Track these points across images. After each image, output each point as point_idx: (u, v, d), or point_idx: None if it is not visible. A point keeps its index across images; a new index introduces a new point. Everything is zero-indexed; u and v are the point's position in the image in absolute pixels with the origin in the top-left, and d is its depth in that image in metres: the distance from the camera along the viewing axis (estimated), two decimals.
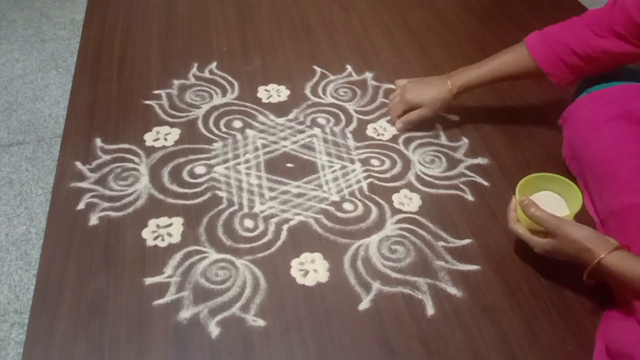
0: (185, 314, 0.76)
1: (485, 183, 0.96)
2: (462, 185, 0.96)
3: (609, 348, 0.70)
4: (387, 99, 1.13)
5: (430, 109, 1.01)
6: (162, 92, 1.12)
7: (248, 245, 0.85)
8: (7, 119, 1.11)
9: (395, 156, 1.01)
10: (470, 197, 0.94)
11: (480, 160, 1.01)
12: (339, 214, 0.90)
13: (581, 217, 0.76)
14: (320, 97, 1.13)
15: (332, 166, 0.98)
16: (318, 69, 1.20)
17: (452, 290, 0.80)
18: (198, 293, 0.78)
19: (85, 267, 0.81)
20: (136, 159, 0.98)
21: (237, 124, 1.06)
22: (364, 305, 0.78)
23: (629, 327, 0.68)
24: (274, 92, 1.13)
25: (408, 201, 0.93)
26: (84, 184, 0.93)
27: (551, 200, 0.80)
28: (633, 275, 0.66)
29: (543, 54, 0.91)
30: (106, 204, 0.90)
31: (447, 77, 0.99)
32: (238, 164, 0.98)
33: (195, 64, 1.20)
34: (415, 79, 1.05)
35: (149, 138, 1.02)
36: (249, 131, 1.04)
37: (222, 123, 1.06)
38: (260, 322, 0.75)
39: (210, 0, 1.42)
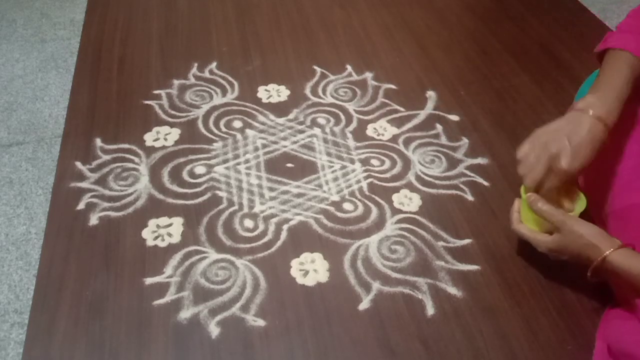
0: (185, 314, 0.76)
1: (485, 183, 0.96)
2: (462, 185, 0.96)
3: (610, 347, 0.70)
4: (387, 99, 1.13)
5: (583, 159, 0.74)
6: (162, 92, 1.12)
7: (248, 245, 0.85)
8: (7, 119, 1.11)
9: (395, 156, 1.01)
10: (470, 197, 0.94)
11: (480, 160, 1.01)
12: (339, 214, 0.90)
13: (582, 217, 0.76)
14: (320, 97, 1.13)
15: (332, 166, 0.98)
16: (318, 69, 1.20)
17: (452, 290, 0.80)
18: (198, 293, 0.78)
19: (85, 267, 0.81)
20: (136, 159, 0.98)
21: (237, 124, 1.06)
22: (364, 305, 0.78)
23: (631, 326, 0.68)
24: (274, 92, 1.13)
25: (408, 201, 0.93)
26: (84, 184, 0.93)
27: None
28: (639, 273, 0.65)
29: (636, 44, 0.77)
30: (106, 204, 0.90)
31: (586, 115, 0.75)
32: (238, 164, 0.98)
33: (195, 64, 1.20)
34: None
35: (149, 138, 1.02)
36: (249, 131, 1.04)
37: (222, 123, 1.06)
38: (260, 322, 0.75)
39: (210, 0, 1.42)
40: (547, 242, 0.74)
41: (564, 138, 0.74)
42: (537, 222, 0.76)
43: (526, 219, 0.78)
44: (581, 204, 0.77)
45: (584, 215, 0.77)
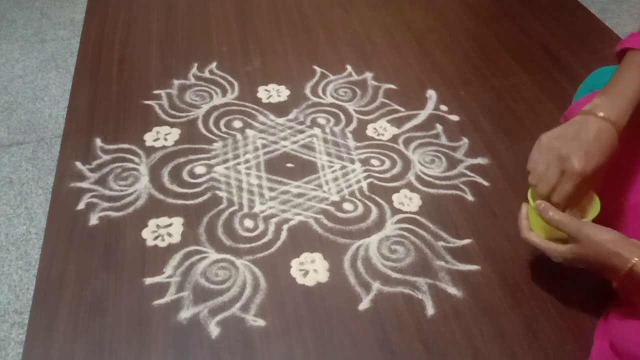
0: (185, 314, 0.76)
1: (485, 183, 0.96)
2: (462, 185, 0.96)
3: (616, 347, 0.68)
4: (387, 99, 1.13)
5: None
6: (162, 92, 1.12)
7: (248, 245, 0.85)
8: (7, 119, 1.11)
9: (395, 156, 1.01)
10: (470, 197, 0.94)
11: (480, 160, 1.01)
12: (339, 214, 0.90)
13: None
14: (320, 97, 1.13)
15: (332, 166, 0.98)
16: (318, 69, 1.20)
17: (452, 290, 0.80)
18: (198, 293, 0.78)
19: (85, 267, 0.81)
20: (136, 159, 0.98)
21: (237, 124, 1.06)
22: (364, 305, 0.78)
23: (638, 326, 0.67)
24: (274, 92, 1.13)
25: (408, 201, 0.93)
26: (84, 184, 0.93)
27: None
28: None
29: None
30: (106, 204, 0.90)
31: (593, 116, 0.71)
32: (238, 164, 0.98)
33: (195, 64, 1.20)
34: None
35: (149, 138, 1.02)
36: (249, 131, 1.04)
37: (222, 123, 1.06)
38: (260, 322, 0.75)
39: (210, 0, 1.42)
40: (563, 252, 0.68)
41: (572, 140, 0.70)
42: (547, 229, 0.71)
43: (535, 225, 0.73)
44: (595, 208, 0.73)
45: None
